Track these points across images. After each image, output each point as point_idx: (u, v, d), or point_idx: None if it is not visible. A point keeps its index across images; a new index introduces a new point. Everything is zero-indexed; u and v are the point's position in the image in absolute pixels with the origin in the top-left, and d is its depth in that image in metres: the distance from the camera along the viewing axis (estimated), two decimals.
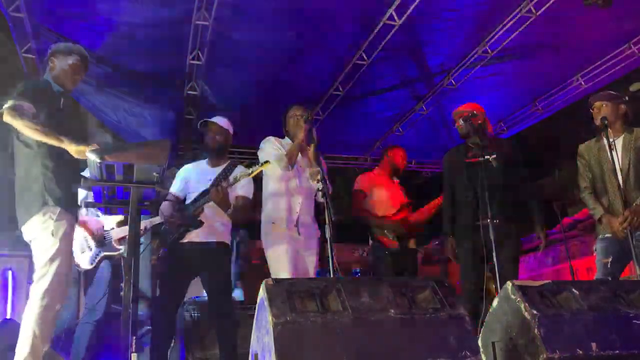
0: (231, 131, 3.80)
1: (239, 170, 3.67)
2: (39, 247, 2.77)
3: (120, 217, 4.54)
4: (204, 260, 3.52)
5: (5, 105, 2.73)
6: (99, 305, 4.33)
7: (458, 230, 3.78)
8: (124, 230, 4.47)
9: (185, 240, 3.54)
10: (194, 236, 3.53)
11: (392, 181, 4.72)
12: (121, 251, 4.43)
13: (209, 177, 3.68)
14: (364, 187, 4.63)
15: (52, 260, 2.72)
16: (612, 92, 3.70)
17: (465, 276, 3.63)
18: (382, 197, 4.58)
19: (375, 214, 4.53)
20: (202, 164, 3.81)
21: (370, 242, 4.61)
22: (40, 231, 2.77)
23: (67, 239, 2.82)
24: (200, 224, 3.51)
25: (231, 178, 3.47)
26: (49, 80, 3.07)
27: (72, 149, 2.70)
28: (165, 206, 3.60)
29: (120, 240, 4.46)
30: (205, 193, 3.56)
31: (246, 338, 2.38)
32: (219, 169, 3.72)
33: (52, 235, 2.75)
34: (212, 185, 3.56)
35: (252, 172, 3.39)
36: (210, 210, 3.55)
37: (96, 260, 4.27)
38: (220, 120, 3.77)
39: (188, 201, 3.70)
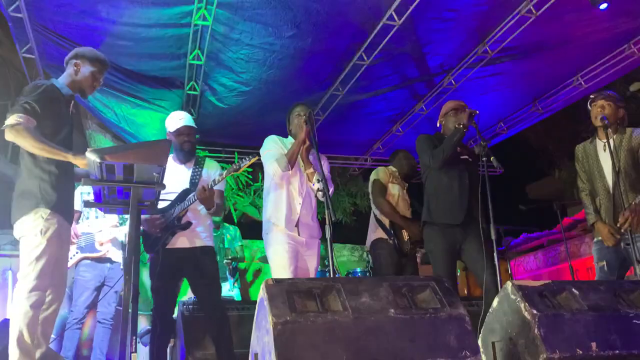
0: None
1: (215, 171, 3.72)
2: (26, 246, 2.74)
3: (113, 221, 4.58)
4: (191, 263, 3.55)
5: (7, 123, 2.72)
6: (82, 311, 4.39)
7: (435, 224, 3.66)
8: (110, 234, 4.51)
9: (171, 246, 3.55)
10: (180, 242, 3.56)
11: (404, 184, 4.74)
12: (101, 253, 4.46)
13: (181, 177, 3.68)
14: (385, 180, 4.63)
15: (37, 259, 2.69)
16: (615, 94, 3.69)
17: (438, 272, 3.55)
18: (397, 196, 4.60)
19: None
20: (170, 161, 3.77)
21: (372, 239, 4.59)
22: (28, 230, 2.74)
23: (56, 240, 2.77)
24: (188, 225, 3.52)
25: (218, 176, 3.49)
26: (56, 83, 3.03)
27: (77, 162, 2.72)
28: None
29: (105, 242, 4.49)
30: (186, 193, 3.57)
31: (246, 338, 2.38)
32: (189, 166, 3.73)
33: (41, 234, 2.72)
34: (192, 184, 3.58)
35: (240, 167, 3.38)
36: (191, 214, 3.57)
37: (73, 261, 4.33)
38: (190, 120, 3.70)
39: (161, 202, 3.67)
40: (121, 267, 4.59)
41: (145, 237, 3.60)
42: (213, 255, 3.70)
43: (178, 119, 3.69)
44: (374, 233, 4.60)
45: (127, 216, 4.57)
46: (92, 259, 4.45)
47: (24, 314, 2.63)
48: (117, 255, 4.58)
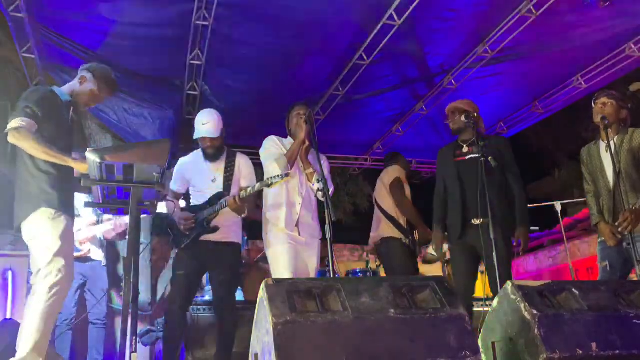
0: (221, 126, 3.76)
1: (247, 165, 3.81)
2: (40, 246, 2.77)
3: (91, 220, 4.56)
4: (216, 258, 3.63)
5: (10, 126, 2.77)
6: (72, 311, 4.38)
7: (449, 228, 3.74)
8: (89, 232, 4.51)
9: (202, 239, 3.61)
10: (209, 236, 3.62)
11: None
12: (82, 252, 4.45)
13: (211, 177, 3.73)
14: (403, 179, 4.64)
15: (56, 257, 2.73)
16: (622, 95, 3.69)
17: (458, 276, 3.61)
18: (409, 196, 4.62)
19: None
20: (200, 159, 3.83)
21: (381, 237, 4.57)
22: (38, 231, 2.78)
23: (66, 238, 2.83)
24: (216, 229, 3.57)
25: (250, 188, 3.54)
26: (56, 90, 3.10)
27: (78, 167, 2.75)
28: (171, 206, 3.64)
29: (85, 241, 4.48)
30: (218, 197, 3.61)
31: (246, 338, 2.38)
32: (219, 164, 3.77)
33: (52, 233, 2.76)
34: (226, 187, 3.67)
35: (272, 183, 3.41)
36: (220, 215, 3.62)
37: None
38: (209, 130, 3.71)
39: (194, 199, 3.76)
40: (103, 264, 4.59)
41: (174, 231, 3.66)
42: (239, 252, 3.78)
43: (201, 125, 3.72)
44: (382, 231, 4.56)
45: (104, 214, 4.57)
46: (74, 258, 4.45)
47: (43, 311, 2.66)
48: (97, 254, 4.57)
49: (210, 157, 3.77)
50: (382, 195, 4.70)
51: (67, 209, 2.90)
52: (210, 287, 3.86)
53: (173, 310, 3.57)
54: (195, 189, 3.80)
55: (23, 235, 2.85)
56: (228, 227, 3.67)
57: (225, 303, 3.65)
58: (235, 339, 3.61)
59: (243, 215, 3.68)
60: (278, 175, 3.36)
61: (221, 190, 3.68)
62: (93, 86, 3.17)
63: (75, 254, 4.43)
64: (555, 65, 5.67)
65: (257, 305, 2.17)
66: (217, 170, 3.77)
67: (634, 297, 2.43)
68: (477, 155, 3.45)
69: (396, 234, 4.48)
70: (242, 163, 3.85)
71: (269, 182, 3.39)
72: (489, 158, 3.32)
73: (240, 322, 3.74)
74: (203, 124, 3.72)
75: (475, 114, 3.73)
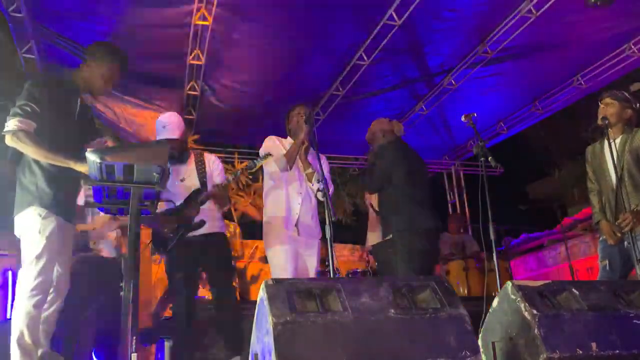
0: (182, 127, 3.68)
1: (215, 164, 3.74)
2: (26, 244, 2.73)
3: (105, 218, 4.50)
4: (207, 251, 3.55)
5: (7, 128, 2.70)
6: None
7: None
8: (104, 229, 4.45)
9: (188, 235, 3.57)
10: (194, 232, 3.56)
11: None
12: (93, 252, 4.40)
13: (179, 178, 3.65)
14: None
15: (38, 258, 2.68)
16: (627, 94, 3.67)
17: None
18: None
19: None
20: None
21: (380, 240, 4.54)
22: (27, 228, 2.74)
23: (55, 238, 2.75)
24: (202, 223, 3.53)
25: (231, 176, 3.52)
26: (64, 76, 2.98)
27: (80, 169, 2.68)
28: (172, 205, 3.56)
29: (97, 239, 4.41)
30: (197, 193, 3.57)
31: (246, 338, 2.38)
32: (187, 165, 3.69)
33: (39, 232, 2.70)
34: (202, 184, 3.60)
35: (256, 165, 3.40)
36: (204, 205, 3.58)
37: None
38: (171, 130, 3.63)
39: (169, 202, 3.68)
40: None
41: (155, 236, 3.60)
42: (226, 241, 3.74)
43: (161, 128, 3.62)
44: (378, 234, 4.53)
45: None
46: None
47: (25, 314, 2.62)
48: (111, 252, 4.53)
49: (175, 159, 3.66)
50: (376, 197, 4.64)
51: (61, 208, 2.83)
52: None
53: (181, 315, 3.51)
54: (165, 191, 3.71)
55: (15, 229, 2.80)
56: (211, 218, 3.58)
57: (224, 293, 3.59)
58: (242, 328, 3.54)
59: (225, 209, 3.64)
60: (259, 158, 3.37)
61: (198, 186, 3.60)
62: (101, 70, 2.97)
63: (88, 253, 4.41)
64: (555, 65, 5.67)
65: (257, 305, 2.17)
66: (185, 170, 3.68)
67: (634, 297, 2.42)
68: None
69: None
70: (212, 160, 3.80)
71: (252, 166, 3.39)
72: (489, 158, 3.31)
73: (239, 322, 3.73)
74: (163, 127, 3.65)
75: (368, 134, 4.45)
